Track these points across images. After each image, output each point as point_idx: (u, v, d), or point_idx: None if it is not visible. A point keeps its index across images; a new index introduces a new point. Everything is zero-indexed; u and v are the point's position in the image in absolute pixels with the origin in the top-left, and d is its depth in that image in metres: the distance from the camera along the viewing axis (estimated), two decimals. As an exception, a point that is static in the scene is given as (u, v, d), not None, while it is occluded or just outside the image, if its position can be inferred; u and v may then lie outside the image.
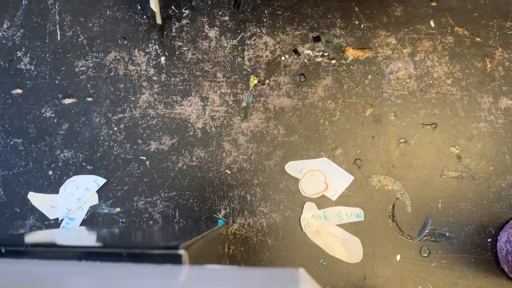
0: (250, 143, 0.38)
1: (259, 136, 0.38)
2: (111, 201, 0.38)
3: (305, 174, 0.38)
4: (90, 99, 0.38)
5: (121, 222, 0.38)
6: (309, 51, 0.38)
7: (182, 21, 0.38)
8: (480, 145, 0.37)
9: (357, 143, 0.38)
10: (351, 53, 0.38)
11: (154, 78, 0.38)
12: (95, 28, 0.38)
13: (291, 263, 0.37)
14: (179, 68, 0.38)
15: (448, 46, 0.38)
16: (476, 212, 0.37)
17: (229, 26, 0.38)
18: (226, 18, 0.38)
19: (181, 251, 0.19)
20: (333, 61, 0.38)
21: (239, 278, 0.17)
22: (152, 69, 0.38)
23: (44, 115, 0.38)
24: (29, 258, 0.21)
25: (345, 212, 0.37)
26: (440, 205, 0.37)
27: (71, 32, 0.39)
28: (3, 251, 0.21)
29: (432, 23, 0.38)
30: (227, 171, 0.38)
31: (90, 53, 0.39)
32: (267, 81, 0.38)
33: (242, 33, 0.38)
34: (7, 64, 0.38)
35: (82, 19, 0.39)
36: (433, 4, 0.38)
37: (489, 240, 0.37)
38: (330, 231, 0.37)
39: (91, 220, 0.38)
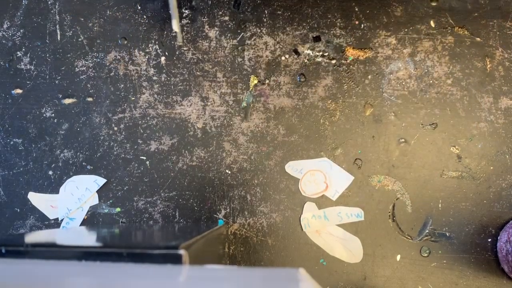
0: (250, 143, 0.38)
1: (259, 136, 0.38)
2: (111, 201, 0.38)
3: (305, 174, 0.38)
4: (90, 99, 0.38)
5: (121, 222, 0.38)
6: (309, 51, 0.38)
7: (182, 21, 0.38)
8: (480, 145, 0.37)
9: (357, 143, 0.38)
10: (351, 53, 0.38)
11: (154, 78, 0.38)
12: (95, 28, 0.38)
13: (291, 263, 0.37)
14: (179, 68, 0.38)
15: (448, 46, 0.38)
16: (476, 212, 0.37)
17: (229, 26, 0.38)
18: (226, 18, 0.38)
19: (181, 251, 0.19)
20: (333, 61, 0.38)
21: (239, 278, 0.17)
22: (152, 69, 0.38)
23: (44, 115, 0.38)
24: (29, 258, 0.21)
25: (345, 212, 0.37)
26: (440, 205, 0.37)
27: (71, 32, 0.39)
28: (3, 251, 0.21)
29: (432, 23, 0.38)
30: (227, 171, 0.38)
31: (90, 53, 0.39)
32: (267, 81, 0.38)
33: (242, 33, 0.38)
34: (7, 64, 0.38)
35: (82, 19, 0.39)
36: (433, 4, 0.38)
37: (489, 240, 0.37)
38: (330, 231, 0.37)
39: (91, 220, 0.38)
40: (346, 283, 0.37)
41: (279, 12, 0.38)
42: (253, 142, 0.38)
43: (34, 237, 0.26)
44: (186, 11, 0.38)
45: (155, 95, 0.38)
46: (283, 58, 0.38)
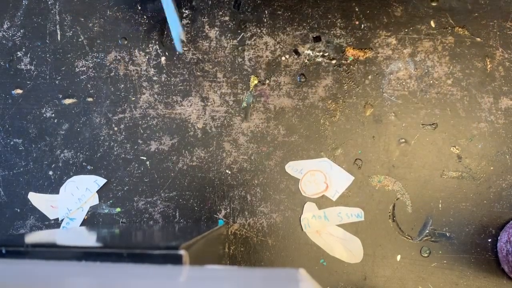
0: (250, 143, 0.38)
1: (260, 136, 0.38)
2: (111, 201, 0.38)
3: (305, 174, 0.38)
4: (90, 99, 0.38)
5: (122, 222, 0.38)
6: (309, 51, 0.38)
7: (182, 21, 0.38)
8: (481, 145, 0.37)
9: (358, 143, 0.38)
10: (351, 53, 0.38)
11: (155, 78, 0.38)
12: (95, 28, 0.38)
13: (291, 263, 0.37)
14: (179, 68, 0.38)
15: (449, 46, 0.38)
16: (477, 212, 0.37)
17: (229, 26, 0.38)
18: (226, 18, 0.38)
19: (182, 251, 0.19)
20: (334, 61, 0.38)
21: (239, 278, 0.17)
22: (152, 69, 0.38)
23: (44, 115, 0.38)
24: (30, 259, 0.21)
25: (345, 212, 0.37)
26: (440, 205, 0.37)
27: (71, 32, 0.39)
28: (3, 251, 0.21)
29: (432, 23, 0.38)
30: (227, 171, 0.38)
31: (90, 53, 0.39)
32: (267, 81, 0.38)
33: (242, 33, 0.38)
34: (7, 64, 0.38)
35: (82, 19, 0.39)
36: (433, 4, 0.38)
37: (490, 240, 0.37)
38: (331, 231, 0.37)
39: (91, 220, 0.38)
40: (346, 283, 0.37)
41: (279, 12, 0.38)
42: (253, 142, 0.38)
43: (34, 237, 0.26)
44: (186, 11, 0.38)
45: (155, 95, 0.38)
46: (283, 58, 0.38)
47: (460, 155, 0.37)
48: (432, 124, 0.37)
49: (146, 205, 0.38)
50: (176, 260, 0.19)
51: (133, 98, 0.38)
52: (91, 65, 0.39)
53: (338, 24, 0.38)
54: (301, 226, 0.37)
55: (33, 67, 0.38)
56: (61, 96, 0.38)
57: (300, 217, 0.37)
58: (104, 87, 0.38)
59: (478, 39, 0.38)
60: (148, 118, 0.38)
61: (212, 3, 0.38)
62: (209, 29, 0.38)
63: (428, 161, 0.37)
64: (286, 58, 0.38)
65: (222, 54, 0.38)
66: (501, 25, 0.38)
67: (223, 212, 0.38)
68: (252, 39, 0.38)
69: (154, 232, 0.29)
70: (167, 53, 0.38)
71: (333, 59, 0.38)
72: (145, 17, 0.38)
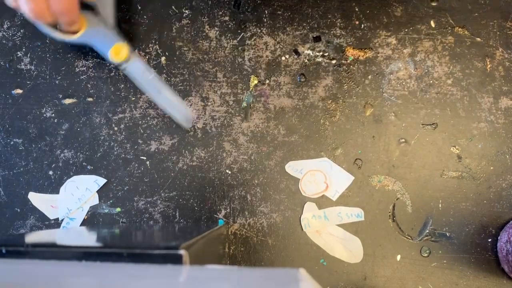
0: (250, 143, 0.38)
1: (260, 136, 0.38)
2: (111, 201, 0.38)
3: (305, 174, 0.38)
4: (90, 99, 0.38)
5: (122, 222, 0.38)
6: (309, 51, 0.38)
7: (182, 21, 0.38)
8: (481, 145, 0.37)
9: (358, 143, 0.38)
10: (351, 53, 0.38)
11: (154, 78, 0.38)
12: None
13: (291, 263, 0.37)
14: (179, 68, 0.38)
15: (449, 46, 0.38)
16: (477, 212, 0.37)
17: (229, 26, 0.38)
18: (226, 18, 0.38)
19: (182, 251, 0.19)
20: (334, 61, 0.38)
21: (239, 278, 0.17)
22: (152, 69, 0.38)
23: (45, 115, 0.38)
24: (30, 258, 0.21)
25: (345, 212, 0.37)
26: (440, 205, 0.37)
27: (71, 32, 0.39)
28: (3, 251, 0.21)
29: (432, 23, 0.38)
30: (227, 171, 0.38)
31: (90, 53, 0.39)
32: (267, 81, 0.38)
33: (242, 33, 0.38)
34: (7, 64, 0.38)
35: (82, 19, 0.39)
36: (433, 4, 0.38)
37: (490, 240, 0.37)
38: (331, 231, 0.37)
39: (91, 220, 0.38)
40: (346, 283, 0.37)
41: (279, 12, 0.38)
42: (253, 142, 0.38)
43: (34, 237, 0.26)
44: (186, 11, 0.38)
45: (155, 95, 0.38)
46: (283, 58, 0.38)
47: (460, 155, 0.37)
48: (432, 124, 0.37)
49: (146, 205, 0.38)
50: (176, 260, 0.19)
51: (133, 98, 0.38)
52: (91, 65, 0.39)
53: (338, 24, 0.38)
54: (301, 226, 0.37)
55: (33, 67, 0.38)
56: (61, 96, 0.38)
57: (300, 217, 0.37)
58: (104, 87, 0.38)
59: (478, 39, 0.38)
60: (148, 118, 0.38)
61: (212, 3, 0.38)
62: (209, 29, 0.38)
63: (428, 161, 0.37)
64: (286, 58, 0.38)
65: (222, 54, 0.38)
66: (501, 25, 0.38)
67: (223, 212, 0.38)
68: (252, 39, 0.38)
69: (154, 232, 0.29)
70: (167, 53, 0.38)
71: (333, 59, 0.38)
72: (145, 17, 0.38)
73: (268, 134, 0.38)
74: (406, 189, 0.37)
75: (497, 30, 0.38)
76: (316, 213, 0.37)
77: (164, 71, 0.38)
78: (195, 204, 0.38)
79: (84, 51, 0.39)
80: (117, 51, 0.35)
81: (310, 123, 0.38)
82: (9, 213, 0.38)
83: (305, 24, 0.38)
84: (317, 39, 0.38)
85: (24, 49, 0.39)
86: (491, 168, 0.37)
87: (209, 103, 0.38)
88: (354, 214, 0.37)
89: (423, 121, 0.37)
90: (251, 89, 0.38)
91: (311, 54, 0.38)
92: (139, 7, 0.38)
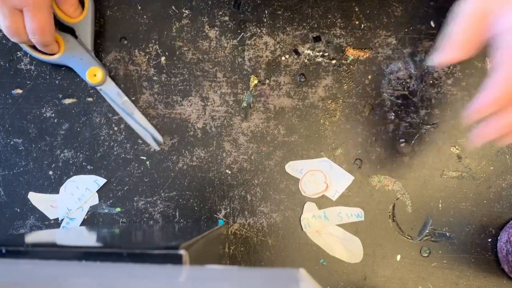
0: (250, 143, 0.38)
1: (259, 136, 0.38)
2: (111, 201, 0.38)
3: (305, 174, 0.38)
4: (90, 99, 0.38)
5: (121, 222, 0.38)
6: (309, 51, 0.38)
7: (182, 21, 0.38)
8: (481, 145, 0.37)
9: (358, 143, 0.38)
10: (351, 53, 0.38)
11: (154, 78, 0.38)
12: (95, 28, 0.38)
13: (291, 263, 0.37)
14: (179, 68, 0.38)
15: (449, 46, 0.38)
16: (477, 212, 0.37)
17: (229, 26, 0.38)
18: (226, 18, 0.38)
19: (182, 251, 0.19)
20: (333, 61, 0.38)
21: (239, 278, 0.17)
22: (152, 69, 0.38)
23: (44, 115, 0.38)
24: (30, 258, 0.21)
25: (345, 212, 0.37)
26: (440, 205, 0.37)
27: (71, 32, 0.39)
28: (3, 251, 0.21)
29: (432, 23, 0.38)
30: (227, 171, 0.38)
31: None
32: (267, 81, 0.38)
33: (242, 33, 0.38)
34: (7, 64, 0.38)
35: (82, 19, 0.39)
36: (433, 4, 0.38)
37: (490, 240, 0.37)
38: (331, 231, 0.37)
39: (91, 220, 0.38)
40: (346, 283, 0.37)
41: (279, 12, 0.38)
42: (253, 142, 0.38)
43: (34, 237, 0.26)
44: (186, 11, 0.38)
45: (155, 95, 0.38)
46: (283, 58, 0.38)
47: (460, 155, 0.37)
48: (432, 124, 0.37)
49: (146, 205, 0.38)
50: (176, 260, 0.19)
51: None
52: (91, 65, 0.38)
53: (338, 24, 0.38)
54: (301, 226, 0.37)
55: (33, 67, 0.38)
56: (61, 96, 0.38)
57: (300, 217, 0.37)
58: (104, 87, 0.38)
59: (478, 39, 0.38)
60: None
61: (212, 3, 0.38)
62: (209, 29, 0.38)
63: (428, 161, 0.37)
64: (286, 58, 0.38)
65: (222, 54, 0.38)
66: (501, 25, 0.38)
67: (223, 212, 0.38)
68: (252, 39, 0.38)
69: (154, 232, 0.29)
70: (167, 53, 0.38)
71: (333, 59, 0.38)
72: (145, 17, 0.38)
73: (268, 134, 0.38)
74: (406, 189, 0.37)
75: (497, 30, 0.38)
76: (316, 213, 0.37)
77: (164, 71, 0.38)
78: (195, 204, 0.38)
79: (84, 51, 0.39)
80: (93, 74, 0.37)
81: (310, 123, 0.38)
82: (9, 213, 0.38)
83: (305, 24, 0.38)
84: (317, 39, 0.38)
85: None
86: (491, 168, 0.37)
87: (209, 103, 0.38)
88: (354, 214, 0.37)
89: (423, 121, 0.37)
90: (251, 89, 0.38)
91: (311, 54, 0.38)
92: (139, 7, 0.38)
